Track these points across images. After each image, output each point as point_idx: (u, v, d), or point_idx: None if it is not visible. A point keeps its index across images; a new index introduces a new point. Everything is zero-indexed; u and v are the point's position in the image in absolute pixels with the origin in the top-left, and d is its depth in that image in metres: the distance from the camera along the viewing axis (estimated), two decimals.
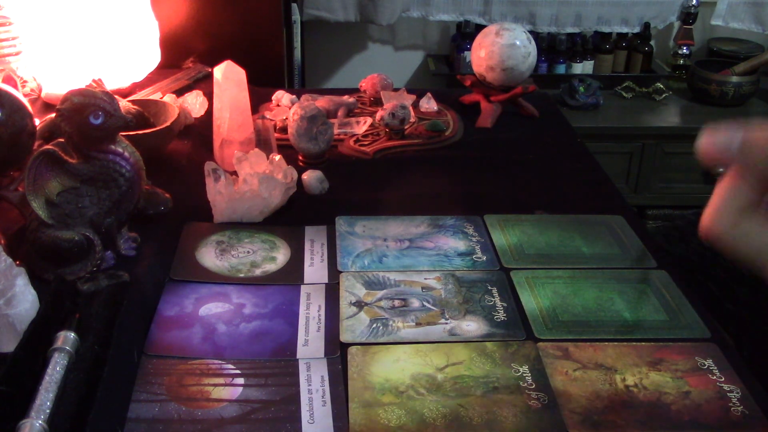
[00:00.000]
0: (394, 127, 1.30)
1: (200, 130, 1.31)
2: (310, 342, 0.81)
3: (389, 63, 2.59)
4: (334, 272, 0.94)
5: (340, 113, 1.37)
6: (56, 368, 0.70)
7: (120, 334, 0.76)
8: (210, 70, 1.52)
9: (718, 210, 0.41)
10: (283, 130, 1.30)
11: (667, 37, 2.61)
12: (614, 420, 0.71)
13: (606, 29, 2.49)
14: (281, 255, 0.97)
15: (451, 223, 1.05)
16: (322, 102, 1.37)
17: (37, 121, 1.08)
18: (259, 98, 1.44)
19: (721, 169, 0.42)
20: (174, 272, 0.92)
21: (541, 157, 1.30)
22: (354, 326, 0.84)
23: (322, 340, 0.81)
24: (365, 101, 1.46)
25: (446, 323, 0.85)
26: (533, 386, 0.75)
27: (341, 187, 1.15)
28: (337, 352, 0.80)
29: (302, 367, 0.77)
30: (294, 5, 1.99)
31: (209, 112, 1.31)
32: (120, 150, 0.89)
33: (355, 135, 1.32)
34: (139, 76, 1.48)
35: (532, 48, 1.42)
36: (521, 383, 0.76)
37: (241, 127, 1.18)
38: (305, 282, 0.92)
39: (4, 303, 0.76)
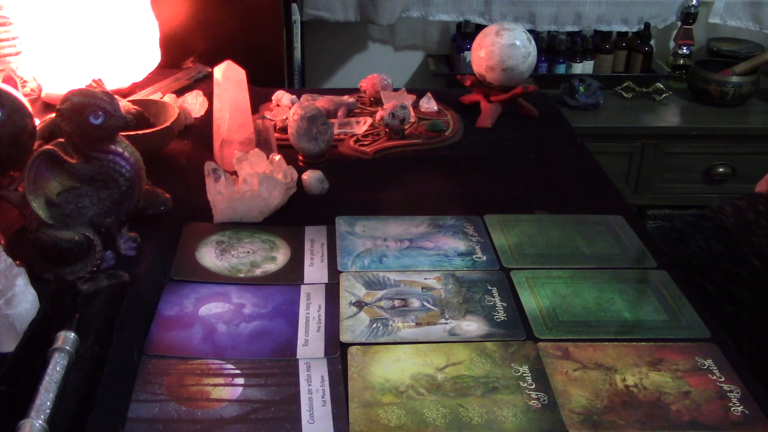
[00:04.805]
0: (394, 127, 1.30)
1: (200, 130, 1.31)
2: (310, 342, 0.81)
3: (389, 63, 2.59)
4: (334, 272, 0.94)
5: (340, 113, 1.37)
6: (56, 368, 0.70)
7: (120, 334, 0.76)
8: (210, 70, 1.52)
9: None
10: (283, 130, 1.30)
11: (667, 37, 2.60)
12: (614, 420, 0.71)
13: (605, 28, 2.49)
14: (281, 255, 0.97)
15: (451, 223, 1.05)
16: (322, 102, 1.37)
17: (37, 121, 1.08)
18: (259, 98, 1.44)
19: None
20: (174, 272, 0.92)
21: (541, 157, 1.30)
22: (354, 326, 0.84)
23: (322, 340, 0.81)
24: (365, 101, 1.46)
25: (446, 323, 0.85)
26: (533, 386, 0.75)
27: (341, 187, 1.15)
28: (337, 352, 0.80)
29: (302, 367, 0.77)
30: (294, 5, 1.98)
31: (209, 112, 1.31)
32: (120, 150, 0.89)
33: (355, 135, 1.32)
34: (139, 76, 1.48)
35: (532, 48, 1.42)
36: (521, 383, 0.76)
37: (241, 127, 1.18)
38: (305, 282, 0.92)
39: (4, 303, 0.76)
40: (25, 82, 1.42)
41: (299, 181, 1.11)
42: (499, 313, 0.87)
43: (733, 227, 1.06)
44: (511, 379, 0.76)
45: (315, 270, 0.94)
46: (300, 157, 1.22)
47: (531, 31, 2.26)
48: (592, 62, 2.50)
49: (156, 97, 1.36)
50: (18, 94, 1.04)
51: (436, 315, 0.86)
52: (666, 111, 2.33)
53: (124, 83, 1.45)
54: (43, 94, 1.43)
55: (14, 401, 0.67)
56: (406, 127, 1.32)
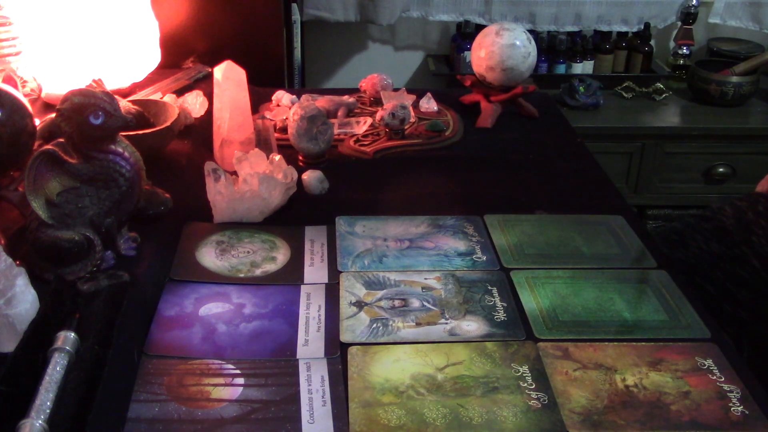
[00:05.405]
0: (394, 127, 1.30)
1: (200, 130, 1.31)
2: (310, 342, 0.81)
3: (389, 63, 2.59)
4: (334, 272, 0.94)
5: (340, 113, 1.37)
6: (56, 368, 0.70)
7: (120, 334, 0.76)
8: (210, 70, 1.52)
9: None
10: (283, 130, 1.30)
11: (667, 37, 2.60)
12: (614, 420, 0.71)
13: (605, 28, 2.50)
14: (281, 255, 0.97)
15: (451, 223, 1.05)
16: (322, 102, 1.37)
17: (37, 121, 1.08)
18: (259, 98, 1.44)
19: None
20: (174, 272, 0.92)
21: (541, 157, 1.30)
22: (354, 326, 0.84)
23: (322, 340, 0.81)
24: (365, 101, 1.46)
25: (446, 323, 0.85)
26: (533, 386, 0.75)
27: (341, 187, 1.15)
28: (337, 352, 0.80)
29: (302, 367, 0.77)
30: (294, 5, 1.98)
31: (209, 112, 1.31)
32: (120, 150, 0.89)
33: (355, 135, 1.32)
34: (139, 76, 1.48)
35: (532, 48, 1.42)
36: (521, 383, 0.76)
37: (241, 127, 1.18)
38: (305, 282, 0.92)
39: (4, 303, 0.76)
40: (25, 82, 1.42)
41: (299, 181, 1.11)
42: (499, 313, 0.87)
43: (732, 228, 1.06)
44: (511, 379, 0.76)
45: (315, 270, 0.94)
46: (300, 157, 1.22)
47: (531, 31, 2.26)
48: (592, 62, 2.50)
49: (156, 97, 1.36)
50: (18, 94, 1.04)
51: (436, 315, 0.86)
52: (666, 111, 2.33)
53: (124, 83, 1.45)
54: (43, 94, 1.43)
55: (14, 401, 0.67)
56: (406, 127, 1.32)
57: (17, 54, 1.43)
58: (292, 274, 0.93)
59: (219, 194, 1.03)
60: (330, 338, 0.82)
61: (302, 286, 0.91)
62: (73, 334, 0.74)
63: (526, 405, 0.73)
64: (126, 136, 0.93)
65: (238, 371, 0.76)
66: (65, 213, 0.88)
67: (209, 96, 1.32)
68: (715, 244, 1.07)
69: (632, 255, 0.99)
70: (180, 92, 1.43)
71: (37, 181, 0.86)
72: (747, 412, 0.73)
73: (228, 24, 1.72)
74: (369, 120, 1.35)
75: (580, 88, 2.27)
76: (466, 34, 2.44)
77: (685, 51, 2.52)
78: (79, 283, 0.85)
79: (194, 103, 1.38)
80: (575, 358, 0.80)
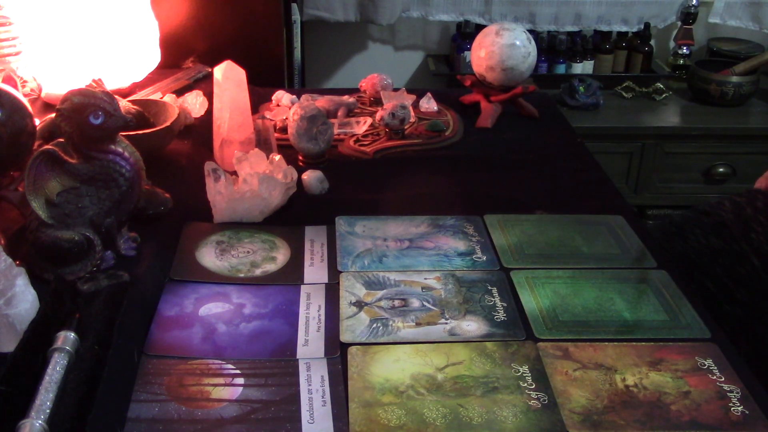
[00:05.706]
0: (394, 127, 1.30)
1: (200, 130, 1.31)
2: (310, 342, 0.81)
3: (389, 63, 2.59)
4: (334, 272, 0.94)
5: (340, 113, 1.37)
6: (56, 368, 0.70)
7: (120, 334, 0.76)
8: (210, 70, 1.52)
9: None
10: (283, 130, 1.30)
11: (667, 37, 2.60)
12: (614, 420, 0.71)
13: (605, 28, 2.50)
14: (281, 255, 0.97)
15: (451, 223, 1.05)
16: (322, 102, 1.37)
17: (37, 121, 1.08)
18: (259, 98, 1.44)
19: None
20: (174, 272, 0.92)
21: (541, 157, 1.30)
22: (354, 326, 0.84)
23: (322, 340, 0.81)
24: (365, 101, 1.46)
25: (446, 323, 0.85)
26: (533, 386, 0.75)
27: (341, 187, 1.15)
28: (337, 352, 0.80)
29: (302, 367, 0.77)
30: (294, 5, 1.98)
31: (209, 112, 1.31)
32: (120, 150, 0.89)
33: (355, 135, 1.32)
34: (139, 76, 1.48)
35: (532, 48, 1.42)
36: (521, 383, 0.76)
37: (241, 127, 1.18)
38: (305, 282, 0.92)
39: (4, 303, 0.76)
40: (25, 82, 1.42)
41: (299, 181, 1.11)
42: (499, 313, 0.87)
43: (731, 223, 1.06)
44: (511, 379, 0.76)
45: (315, 270, 0.94)
46: (300, 157, 1.22)
47: (531, 31, 2.26)
48: (592, 62, 2.50)
49: (156, 97, 1.36)
50: (18, 94, 1.04)
51: (436, 315, 0.86)
52: (666, 111, 2.33)
53: (124, 83, 1.45)
54: (43, 94, 1.43)
55: (14, 401, 0.67)
56: (406, 127, 1.32)
57: (17, 54, 1.43)
58: (292, 274, 0.93)
59: (219, 194, 1.03)
60: (330, 338, 0.82)
61: (302, 286, 0.91)
62: (73, 334, 0.74)
63: (526, 405, 0.73)
64: (126, 136, 0.93)
65: (238, 371, 0.76)
66: (65, 213, 0.88)
67: (209, 96, 1.32)
68: (714, 238, 1.07)
69: (632, 255, 0.99)
70: (180, 92, 1.43)
71: (37, 181, 0.86)
72: (747, 412, 0.73)
73: (228, 24, 1.72)
74: (369, 120, 1.35)
75: (580, 88, 2.27)
76: (466, 34, 2.44)
77: (685, 51, 2.52)
78: (79, 283, 0.85)
79: (194, 103, 1.38)
80: (575, 358, 0.80)
